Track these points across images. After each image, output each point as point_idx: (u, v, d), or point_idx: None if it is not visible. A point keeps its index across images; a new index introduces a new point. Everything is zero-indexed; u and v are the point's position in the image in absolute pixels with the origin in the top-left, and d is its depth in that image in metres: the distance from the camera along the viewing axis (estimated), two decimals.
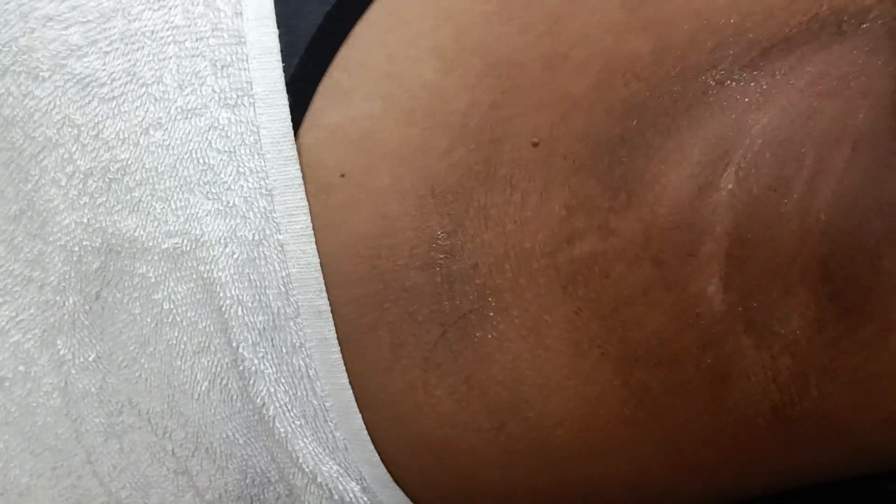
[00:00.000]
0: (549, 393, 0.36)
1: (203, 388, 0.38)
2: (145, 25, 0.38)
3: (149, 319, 0.38)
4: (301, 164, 0.37)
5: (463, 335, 0.36)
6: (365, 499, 0.39)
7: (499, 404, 0.36)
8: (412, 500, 0.40)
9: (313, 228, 0.37)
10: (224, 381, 0.38)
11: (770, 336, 0.34)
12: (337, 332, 0.37)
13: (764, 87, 0.34)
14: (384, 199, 0.37)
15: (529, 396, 0.36)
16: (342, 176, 0.37)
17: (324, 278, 0.37)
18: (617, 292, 0.35)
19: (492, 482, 0.38)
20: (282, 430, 0.38)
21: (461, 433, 0.37)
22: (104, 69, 0.38)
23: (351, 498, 0.39)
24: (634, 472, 0.37)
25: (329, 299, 0.37)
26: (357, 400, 0.38)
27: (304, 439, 0.38)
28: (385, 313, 0.37)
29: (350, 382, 0.38)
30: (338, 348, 0.37)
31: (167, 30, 0.38)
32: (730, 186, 0.34)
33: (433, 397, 0.37)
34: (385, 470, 0.39)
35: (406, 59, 0.37)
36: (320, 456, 0.38)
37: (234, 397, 0.38)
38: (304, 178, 0.37)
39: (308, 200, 0.37)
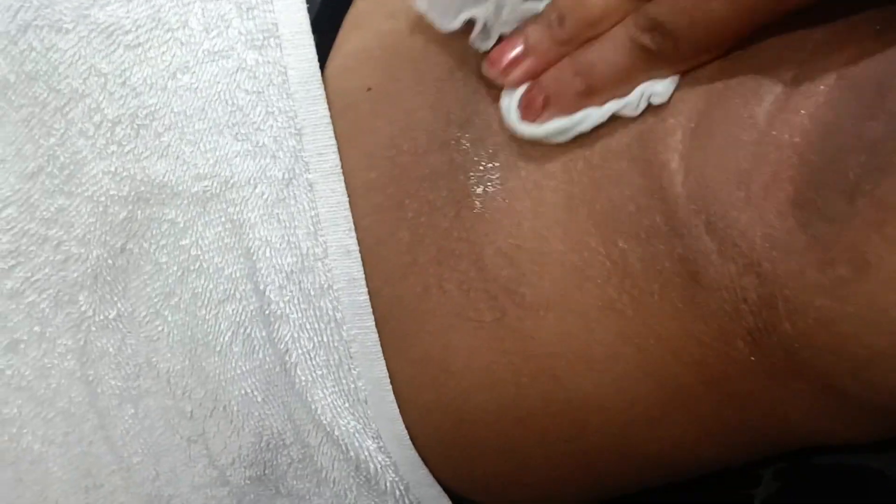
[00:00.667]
0: (544, 262, 0.36)
1: (226, 338, 0.39)
2: None
3: (175, 268, 0.39)
4: (329, 91, 0.38)
5: (475, 209, 0.37)
6: (380, 458, 0.39)
7: (499, 285, 0.37)
8: (424, 460, 0.40)
9: (339, 143, 0.38)
10: (248, 331, 0.38)
11: (732, 247, 0.33)
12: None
13: None
14: (406, 95, 0.38)
15: (527, 269, 0.36)
16: (369, 90, 0.38)
17: (347, 190, 0.38)
18: (604, 145, 0.36)
19: (483, 404, 0.38)
20: (303, 378, 0.38)
21: (464, 335, 0.37)
22: (128, 17, 0.39)
23: (366, 456, 0.39)
24: (616, 390, 0.36)
25: (353, 213, 0.38)
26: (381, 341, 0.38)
27: (325, 389, 0.38)
28: (405, 211, 0.38)
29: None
30: (365, 289, 0.38)
31: None
32: (707, 70, 0.35)
33: (445, 294, 0.37)
34: (402, 425, 0.39)
35: None
36: (339, 409, 0.38)
37: (257, 347, 0.38)
38: (330, 102, 0.38)
39: (334, 121, 0.38)
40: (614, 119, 0.36)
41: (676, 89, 0.35)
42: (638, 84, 0.35)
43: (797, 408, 0.35)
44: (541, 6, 0.36)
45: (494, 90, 0.37)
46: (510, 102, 0.36)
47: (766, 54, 0.34)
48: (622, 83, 0.35)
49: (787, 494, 0.39)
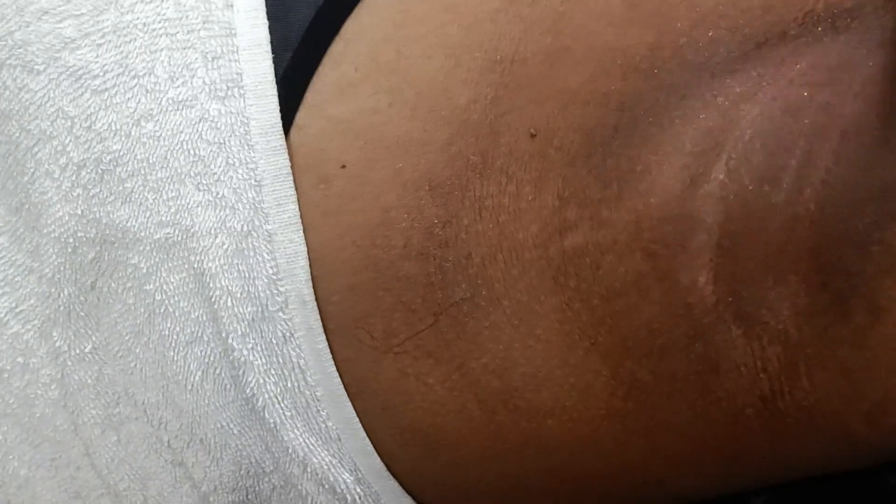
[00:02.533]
0: (540, 383, 0.36)
1: (196, 378, 0.39)
2: (137, 18, 0.39)
3: (142, 310, 0.39)
4: (303, 153, 0.38)
5: (455, 324, 0.37)
6: (358, 490, 0.39)
7: (490, 393, 0.37)
8: (406, 490, 0.40)
9: (312, 217, 0.38)
10: (217, 371, 0.39)
11: (760, 326, 0.34)
12: (330, 321, 0.38)
13: (756, 78, 0.35)
14: (383, 190, 0.37)
15: (520, 385, 0.36)
16: (343, 167, 0.37)
17: (319, 267, 0.38)
18: (608, 283, 0.35)
19: (482, 474, 0.38)
20: (271, 420, 0.38)
21: (452, 422, 0.37)
22: (97, 61, 0.39)
23: (343, 489, 0.39)
24: (623, 466, 0.37)
25: (323, 287, 0.38)
26: (348, 389, 0.38)
27: (296, 430, 0.38)
28: (379, 301, 0.37)
29: (340, 371, 0.38)
30: (323, 336, 0.38)
31: (159, 22, 0.38)
32: (721, 177, 0.34)
33: (425, 385, 0.37)
34: (378, 459, 0.39)
35: (414, 55, 0.38)
36: (312, 446, 0.38)
37: (227, 387, 0.39)
38: (305, 167, 0.38)
39: (308, 190, 0.38)
40: (605, 256, 0.35)
41: (687, 213, 0.35)
42: None
43: (805, 458, 0.35)
44: None
45: (478, 223, 0.36)
46: None
47: (773, 139, 0.34)
48: None
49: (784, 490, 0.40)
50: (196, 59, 0.38)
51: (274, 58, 0.38)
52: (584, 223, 0.35)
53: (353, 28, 0.39)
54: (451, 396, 0.37)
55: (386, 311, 0.37)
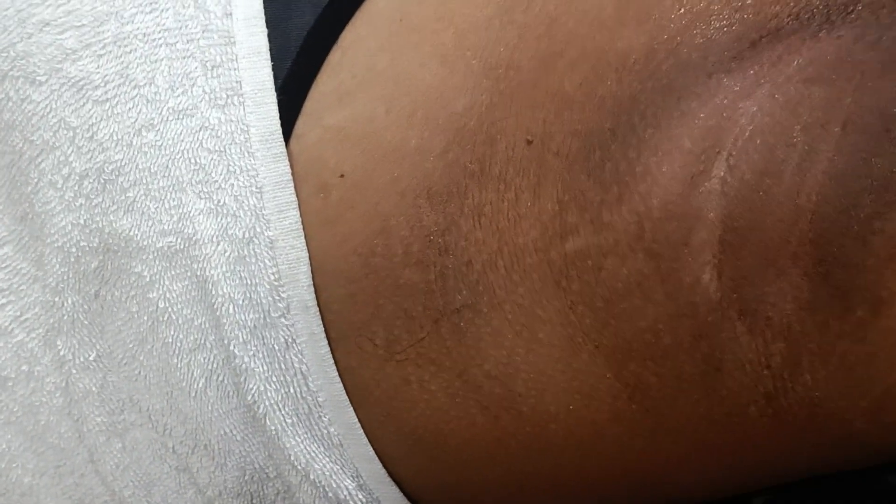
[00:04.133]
0: (543, 388, 0.36)
1: (200, 385, 0.39)
2: (138, 28, 0.39)
3: (145, 318, 0.39)
4: (302, 161, 0.38)
5: (456, 330, 0.37)
6: (360, 496, 0.39)
7: (492, 399, 0.37)
8: (408, 496, 0.40)
9: (312, 225, 0.38)
10: (220, 378, 0.39)
11: (763, 321, 0.34)
12: (332, 329, 0.38)
13: (753, 76, 0.35)
14: (381, 199, 0.37)
15: (523, 391, 0.36)
16: (341, 176, 0.38)
17: (320, 275, 0.38)
18: (610, 285, 0.35)
19: (485, 477, 0.38)
20: (272, 427, 0.38)
21: (455, 428, 0.37)
22: (98, 72, 0.39)
23: (345, 496, 0.39)
24: (626, 466, 0.37)
25: (324, 295, 0.38)
26: (350, 395, 0.38)
27: (297, 437, 0.38)
28: (379, 309, 0.37)
29: (342, 377, 0.38)
30: (326, 342, 0.38)
31: (159, 32, 0.39)
32: (721, 174, 0.34)
33: (427, 392, 0.37)
34: (381, 465, 0.39)
35: (409, 63, 0.38)
36: (313, 453, 0.39)
37: (230, 394, 0.39)
38: (304, 175, 0.38)
39: (307, 198, 0.38)
40: (608, 259, 0.35)
41: (688, 211, 0.35)
42: None
43: (807, 457, 0.35)
44: None
45: (477, 231, 0.37)
46: None
47: (773, 134, 0.34)
48: None
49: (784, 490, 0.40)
50: (196, 68, 0.38)
51: (273, 66, 0.38)
52: (586, 226, 0.35)
53: (350, 37, 0.39)
54: (453, 403, 0.37)
55: (387, 319, 0.37)
